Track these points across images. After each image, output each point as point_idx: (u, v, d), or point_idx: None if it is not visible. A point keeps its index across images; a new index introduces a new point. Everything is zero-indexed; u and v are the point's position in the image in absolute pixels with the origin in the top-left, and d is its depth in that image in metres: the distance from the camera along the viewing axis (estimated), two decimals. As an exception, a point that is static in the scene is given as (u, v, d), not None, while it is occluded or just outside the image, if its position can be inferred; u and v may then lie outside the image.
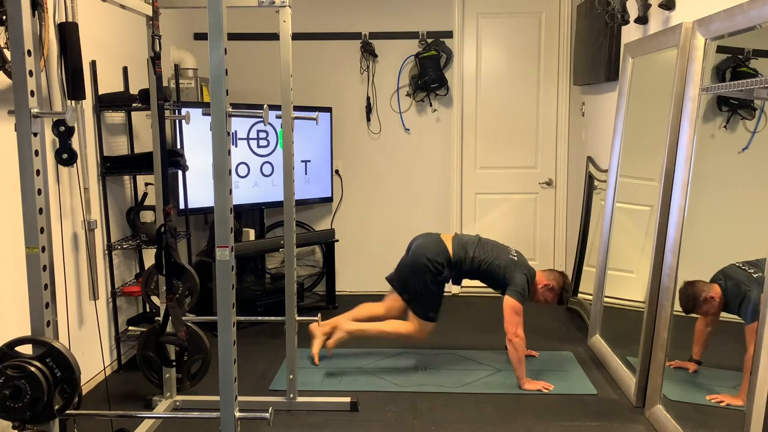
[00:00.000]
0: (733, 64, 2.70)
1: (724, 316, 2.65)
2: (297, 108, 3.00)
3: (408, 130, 4.95)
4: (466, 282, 3.69)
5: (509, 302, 3.28)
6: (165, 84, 3.78)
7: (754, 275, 2.35)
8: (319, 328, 3.54)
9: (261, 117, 1.97)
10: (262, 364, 3.58)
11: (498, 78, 4.95)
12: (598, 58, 4.07)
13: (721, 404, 2.61)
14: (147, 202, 3.63)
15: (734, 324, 2.55)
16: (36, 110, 1.69)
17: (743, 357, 2.34)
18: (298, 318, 3.00)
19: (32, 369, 1.71)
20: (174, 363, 2.75)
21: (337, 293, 4.77)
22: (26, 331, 1.79)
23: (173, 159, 3.48)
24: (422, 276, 3.38)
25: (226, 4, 1.83)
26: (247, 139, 4.35)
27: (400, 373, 3.46)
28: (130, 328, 3.47)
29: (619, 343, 3.51)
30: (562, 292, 3.49)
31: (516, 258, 3.43)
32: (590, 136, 4.50)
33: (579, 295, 4.48)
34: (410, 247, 3.53)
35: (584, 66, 4.43)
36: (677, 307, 2.80)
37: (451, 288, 4.79)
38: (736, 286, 2.52)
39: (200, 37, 4.77)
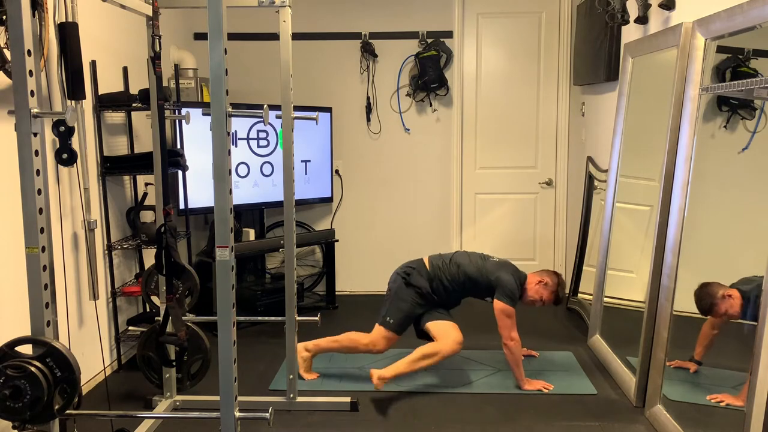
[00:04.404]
0: (733, 64, 2.70)
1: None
2: (297, 108, 3.00)
3: (408, 130, 4.95)
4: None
5: (499, 306, 3.21)
6: (165, 84, 3.78)
7: None
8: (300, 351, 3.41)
9: (261, 117, 1.97)
10: (262, 364, 3.58)
11: (498, 78, 4.95)
12: (598, 58, 4.07)
13: (721, 404, 2.60)
14: (147, 202, 3.63)
15: (735, 324, 2.55)
16: (36, 110, 1.69)
17: (744, 357, 2.33)
18: (298, 318, 3.01)
19: (32, 369, 1.71)
20: (174, 363, 2.75)
21: (337, 293, 4.77)
22: (26, 331, 1.79)
23: (173, 159, 3.48)
24: (393, 283, 3.37)
25: (226, 4, 1.83)
26: (247, 139, 4.35)
27: (400, 373, 3.47)
28: (130, 328, 3.46)
29: (619, 343, 3.51)
30: (557, 290, 3.35)
31: (499, 260, 3.37)
32: (590, 136, 4.50)
33: (579, 295, 4.48)
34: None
35: (584, 66, 4.43)
36: (677, 306, 2.80)
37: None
38: (757, 289, 2.50)
39: (200, 37, 4.77)
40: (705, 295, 2.71)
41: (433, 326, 3.29)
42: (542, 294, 3.35)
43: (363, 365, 3.56)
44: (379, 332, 3.32)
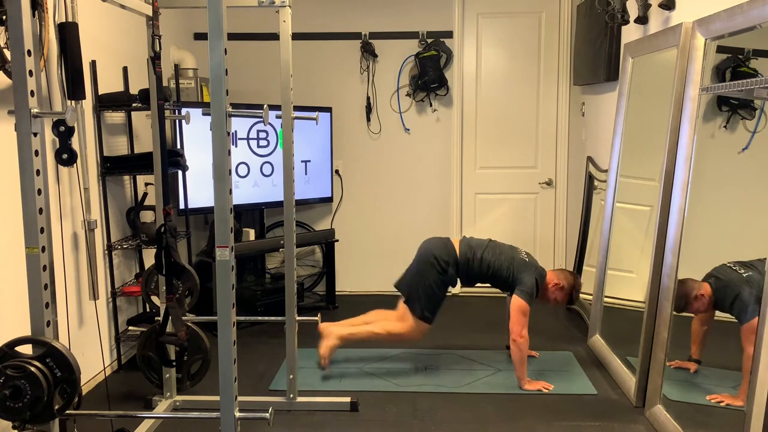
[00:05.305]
0: (733, 64, 2.70)
1: (723, 315, 2.65)
2: (297, 108, 3.00)
3: (408, 130, 4.95)
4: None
5: (517, 302, 3.27)
6: (165, 84, 3.78)
7: (745, 275, 2.35)
8: (331, 328, 3.49)
9: (261, 117, 1.97)
10: (262, 364, 3.58)
11: (498, 78, 4.95)
12: (598, 58, 4.07)
13: (721, 404, 2.61)
14: (147, 202, 3.63)
15: (733, 324, 2.55)
16: (36, 110, 1.69)
17: (742, 357, 2.34)
18: (298, 318, 3.00)
19: (32, 369, 1.71)
20: (174, 363, 2.75)
21: (337, 293, 4.77)
22: (26, 331, 1.79)
23: (173, 159, 3.48)
24: (426, 273, 3.37)
25: (226, 4, 1.84)
26: (247, 139, 4.35)
27: (400, 373, 3.47)
28: (130, 328, 3.47)
29: (619, 343, 3.51)
30: (572, 292, 3.49)
31: (527, 259, 3.42)
32: (590, 136, 4.50)
33: (579, 294, 4.48)
34: (419, 250, 3.50)
35: (584, 66, 4.43)
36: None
37: (451, 288, 4.79)
38: (725, 287, 2.52)
39: (200, 37, 4.77)
40: (679, 295, 2.76)
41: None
42: (557, 296, 3.48)
43: (363, 365, 3.57)
44: (419, 327, 3.40)
